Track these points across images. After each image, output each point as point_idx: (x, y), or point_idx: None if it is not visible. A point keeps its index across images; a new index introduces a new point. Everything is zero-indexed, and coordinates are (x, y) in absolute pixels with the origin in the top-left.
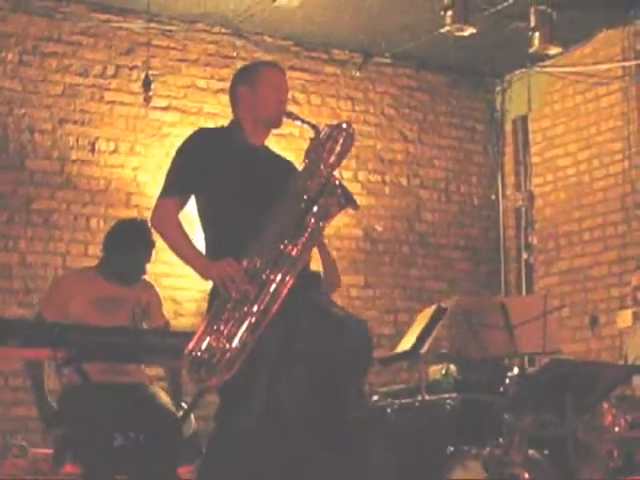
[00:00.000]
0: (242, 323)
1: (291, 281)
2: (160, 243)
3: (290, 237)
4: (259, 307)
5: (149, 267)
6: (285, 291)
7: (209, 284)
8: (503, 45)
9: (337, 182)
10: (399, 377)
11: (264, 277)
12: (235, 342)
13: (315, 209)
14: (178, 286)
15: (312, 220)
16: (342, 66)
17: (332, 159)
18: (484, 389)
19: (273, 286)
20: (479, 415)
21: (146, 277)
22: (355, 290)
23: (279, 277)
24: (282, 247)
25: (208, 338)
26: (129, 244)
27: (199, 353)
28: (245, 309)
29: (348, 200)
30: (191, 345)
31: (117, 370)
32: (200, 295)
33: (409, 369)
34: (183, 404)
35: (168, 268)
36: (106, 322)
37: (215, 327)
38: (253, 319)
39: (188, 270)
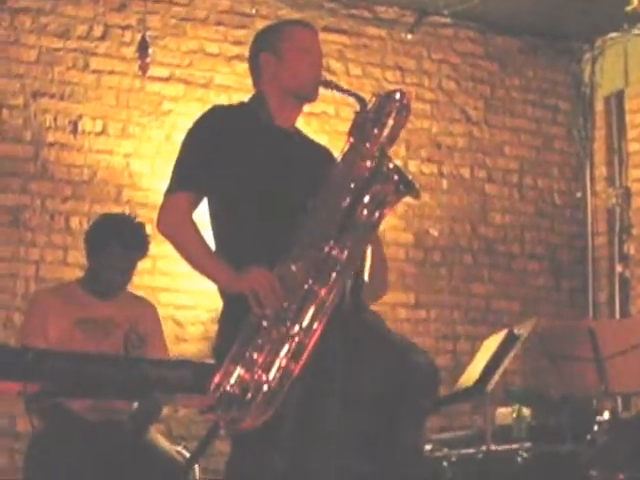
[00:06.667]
0: (281, 348)
1: (340, 292)
2: (159, 250)
3: (336, 237)
4: (301, 326)
5: (144, 280)
6: (333, 305)
7: (220, 302)
8: (594, 1)
9: (392, 165)
10: (458, 421)
11: (306, 289)
12: (273, 372)
13: (367, 199)
14: (181, 304)
15: (364, 212)
16: (390, 27)
17: (384, 136)
18: (566, 438)
19: (317, 300)
20: (559, 470)
21: (141, 294)
22: (404, 310)
23: (325, 288)
24: (327, 250)
25: (238, 369)
26: (103, 241)
27: (228, 388)
28: (284, 330)
29: (407, 186)
30: (218, 378)
31: (105, 409)
32: (208, 316)
33: (471, 411)
34: (183, 450)
35: (168, 281)
36: (91, 348)
37: (247, 354)
38: (294, 342)
39: (193, 284)
